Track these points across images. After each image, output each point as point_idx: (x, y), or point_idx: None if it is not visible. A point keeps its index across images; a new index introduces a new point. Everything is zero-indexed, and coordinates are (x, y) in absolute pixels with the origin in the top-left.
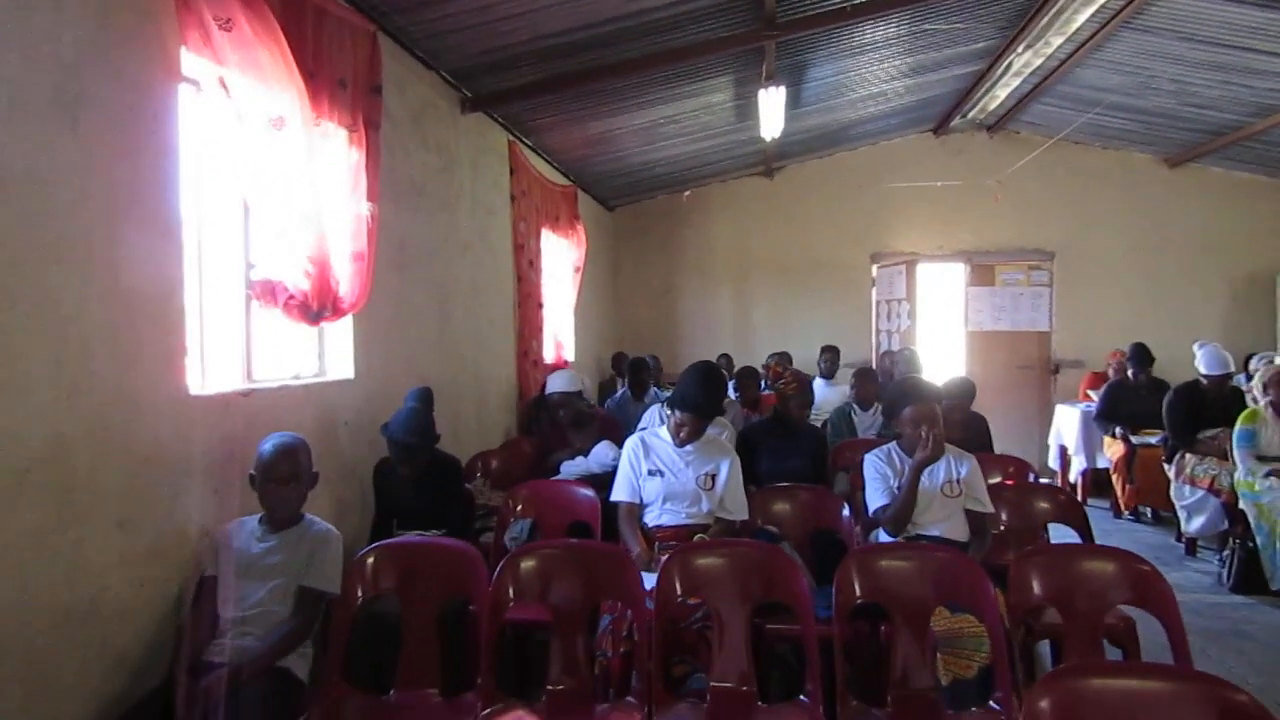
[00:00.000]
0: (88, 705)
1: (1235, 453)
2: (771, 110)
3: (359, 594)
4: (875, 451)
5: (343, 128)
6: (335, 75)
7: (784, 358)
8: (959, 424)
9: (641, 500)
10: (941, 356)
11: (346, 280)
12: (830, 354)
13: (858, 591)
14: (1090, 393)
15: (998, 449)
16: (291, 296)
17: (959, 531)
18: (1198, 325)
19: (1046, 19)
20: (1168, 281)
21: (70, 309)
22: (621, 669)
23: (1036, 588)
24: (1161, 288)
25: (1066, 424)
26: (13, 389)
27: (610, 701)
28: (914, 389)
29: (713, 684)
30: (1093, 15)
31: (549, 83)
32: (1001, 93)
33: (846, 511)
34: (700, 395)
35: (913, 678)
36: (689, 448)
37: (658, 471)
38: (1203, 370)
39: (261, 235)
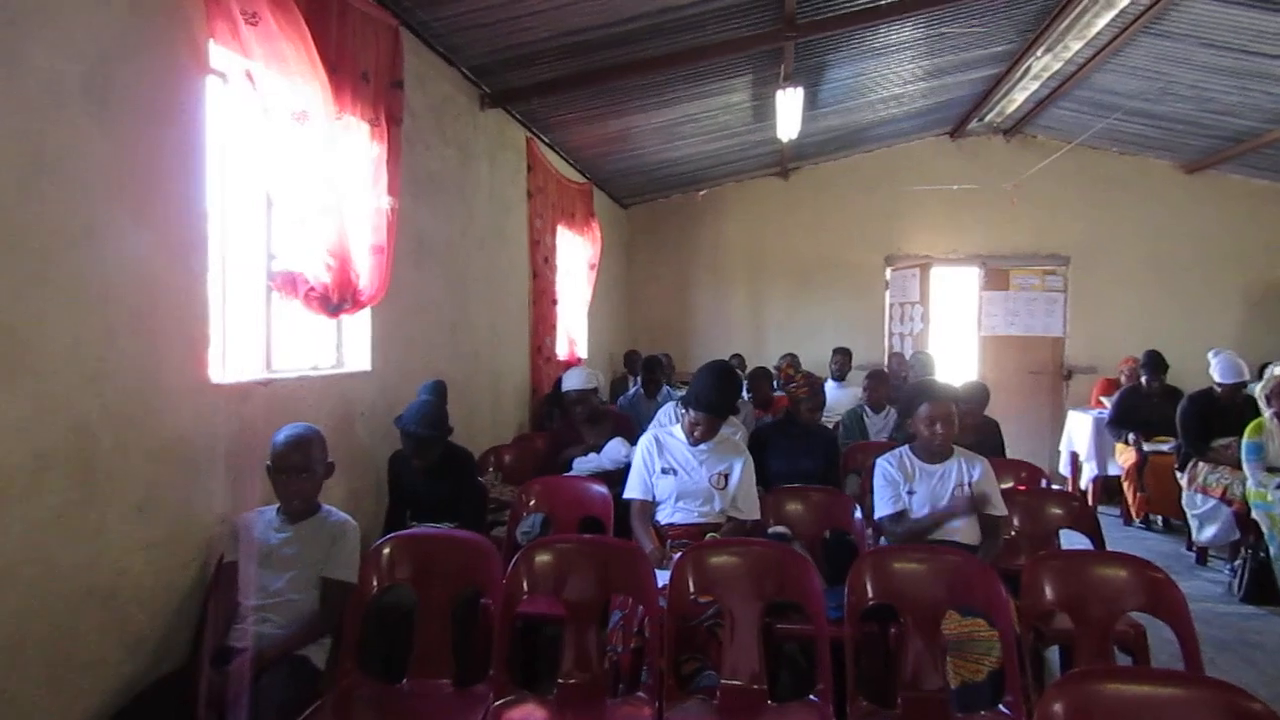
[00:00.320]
0: (108, 683)
1: (1245, 466)
2: (789, 111)
3: (374, 584)
4: (886, 456)
5: (364, 122)
6: (358, 69)
7: (793, 360)
8: (972, 428)
9: (654, 498)
10: (954, 360)
11: (366, 273)
12: (841, 356)
13: (870, 593)
14: (1103, 399)
15: (1009, 454)
16: (312, 288)
17: (970, 535)
18: (1213, 333)
19: (1066, 23)
20: (1183, 289)
21: (96, 296)
22: (632, 664)
23: (1049, 592)
24: (1177, 295)
25: (1078, 430)
26: (39, 373)
27: (621, 696)
28: (931, 388)
29: (723, 681)
30: (1113, 20)
31: (568, 80)
32: (1019, 96)
33: (858, 513)
34: (716, 395)
35: (923, 680)
36: (703, 446)
37: (671, 470)
38: (1217, 378)
39: (283, 227)
